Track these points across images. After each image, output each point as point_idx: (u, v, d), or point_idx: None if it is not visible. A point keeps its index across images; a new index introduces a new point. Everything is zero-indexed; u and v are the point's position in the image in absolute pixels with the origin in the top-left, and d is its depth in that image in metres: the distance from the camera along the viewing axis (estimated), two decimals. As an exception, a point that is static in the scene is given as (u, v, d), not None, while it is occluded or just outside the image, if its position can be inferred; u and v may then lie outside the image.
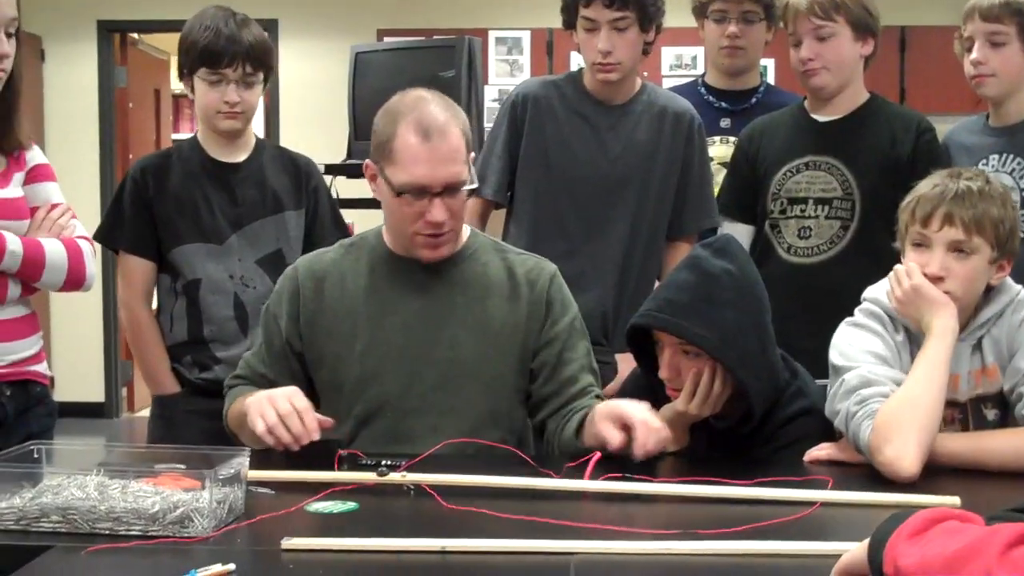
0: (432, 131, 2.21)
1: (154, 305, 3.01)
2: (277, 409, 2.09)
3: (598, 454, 2.08)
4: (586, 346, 2.38)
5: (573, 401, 2.31)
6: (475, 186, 2.29)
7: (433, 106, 2.25)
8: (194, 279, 2.88)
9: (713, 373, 2.22)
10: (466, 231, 2.44)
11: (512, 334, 2.33)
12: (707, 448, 2.30)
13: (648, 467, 2.06)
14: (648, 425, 2.07)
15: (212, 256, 2.88)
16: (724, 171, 3.25)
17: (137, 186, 2.92)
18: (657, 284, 3.07)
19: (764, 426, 2.26)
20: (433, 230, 2.26)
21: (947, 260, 2.20)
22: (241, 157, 2.96)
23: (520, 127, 3.05)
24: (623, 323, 2.96)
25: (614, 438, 2.08)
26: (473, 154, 2.34)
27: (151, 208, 2.91)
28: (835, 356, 2.26)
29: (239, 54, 2.83)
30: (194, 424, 2.78)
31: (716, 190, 3.21)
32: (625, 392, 2.47)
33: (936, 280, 2.20)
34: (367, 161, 2.33)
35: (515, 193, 3.09)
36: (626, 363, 2.87)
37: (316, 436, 2.09)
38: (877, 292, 2.32)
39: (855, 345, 2.25)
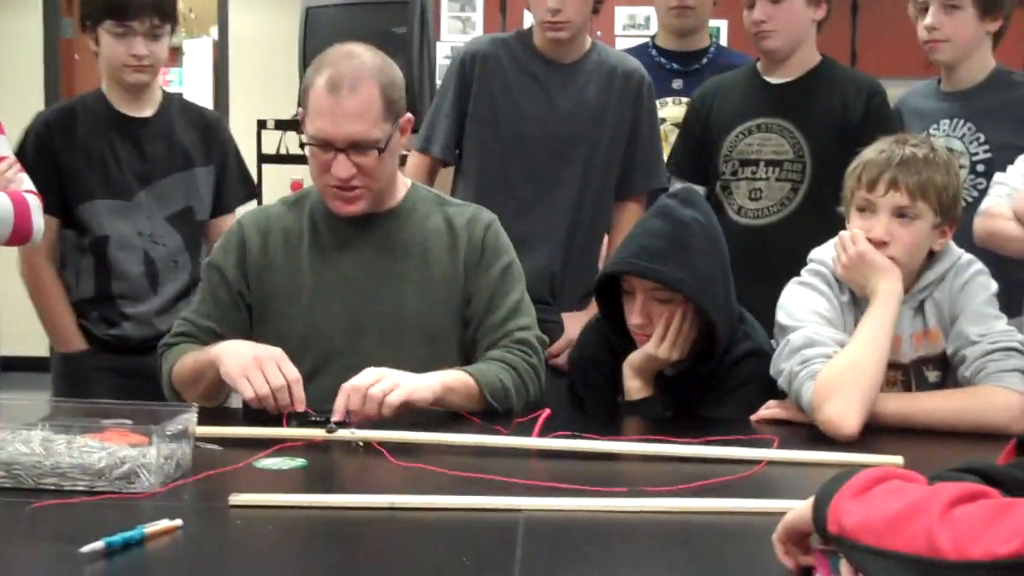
0: (342, 86, 2.19)
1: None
2: (268, 379, 2.06)
3: (547, 411, 2.10)
4: (520, 291, 2.38)
5: (495, 347, 2.31)
6: (382, 146, 2.24)
7: (356, 61, 2.23)
8: (102, 235, 2.85)
9: (683, 318, 2.26)
10: (406, 185, 2.43)
11: (451, 286, 2.33)
12: (661, 395, 2.34)
13: (598, 425, 2.07)
14: (350, 389, 2.06)
15: (121, 213, 2.85)
16: (676, 131, 3.25)
17: (41, 140, 2.86)
18: (607, 242, 3.09)
19: (712, 369, 2.32)
20: (341, 184, 2.24)
21: (891, 225, 2.22)
22: (148, 111, 2.93)
23: (469, 85, 3.02)
24: (571, 282, 2.97)
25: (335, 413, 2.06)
26: (408, 115, 2.32)
27: (57, 162, 2.85)
28: (782, 315, 2.29)
29: (146, 6, 2.78)
30: (102, 381, 2.76)
31: (668, 151, 3.22)
32: (581, 345, 2.52)
33: (880, 245, 2.22)
34: (299, 109, 2.32)
35: (463, 152, 3.07)
36: (572, 322, 2.91)
37: (301, 408, 2.07)
38: (823, 253, 2.35)
39: (801, 305, 2.27)
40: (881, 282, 2.20)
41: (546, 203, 2.98)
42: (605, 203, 3.07)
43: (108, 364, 2.83)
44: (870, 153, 2.28)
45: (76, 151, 2.84)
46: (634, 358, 2.33)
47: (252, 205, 3.17)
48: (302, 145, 2.28)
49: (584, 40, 3.04)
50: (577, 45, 3.02)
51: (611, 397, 2.39)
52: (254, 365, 2.07)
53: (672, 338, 2.27)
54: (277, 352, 2.12)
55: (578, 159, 3.00)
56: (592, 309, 2.94)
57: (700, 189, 3.03)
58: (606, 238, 3.15)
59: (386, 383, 2.06)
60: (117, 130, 2.88)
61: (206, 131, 2.98)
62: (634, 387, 2.33)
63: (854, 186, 2.27)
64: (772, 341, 2.33)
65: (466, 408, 2.19)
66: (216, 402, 2.25)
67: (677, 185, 3.07)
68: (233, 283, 2.35)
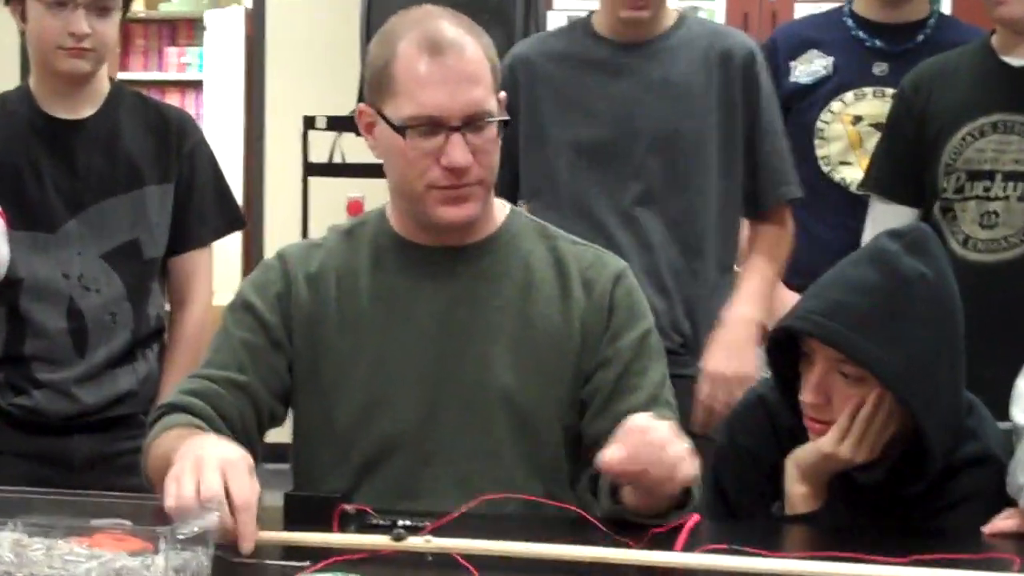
0: (444, 46, 2.23)
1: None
2: (202, 483, 1.93)
3: (696, 516, 2.10)
4: (661, 372, 2.38)
5: None
6: (505, 119, 2.30)
7: (445, 20, 2.28)
8: (14, 279, 2.85)
9: (877, 406, 2.23)
10: (503, 209, 2.45)
11: (560, 352, 2.34)
12: (845, 508, 2.32)
13: (766, 537, 2.07)
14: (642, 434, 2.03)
15: (40, 249, 2.87)
16: (877, 134, 3.25)
17: None
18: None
19: (922, 487, 2.29)
20: (453, 180, 2.26)
21: None
22: (87, 112, 2.95)
23: (517, 101, 3.05)
24: (704, 330, 3.02)
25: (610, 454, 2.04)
26: (503, 93, 2.36)
27: None
28: (1018, 413, 2.28)
29: None
30: (14, 470, 2.78)
31: (867, 159, 3.23)
32: (733, 426, 2.52)
33: None
34: (359, 106, 2.35)
35: (527, 186, 3.13)
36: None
37: (248, 546, 1.95)
38: None
39: None
40: None
41: (640, 230, 3.02)
42: (729, 221, 3.11)
43: (18, 447, 2.88)
44: None
45: None
46: (802, 455, 2.30)
47: (236, 238, 3.12)
48: (401, 129, 2.25)
49: (666, 12, 3.09)
50: (657, 19, 3.07)
51: (769, 503, 2.38)
52: (193, 465, 1.97)
53: (859, 434, 2.24)
54: (236, 456, 2.02)
55: (675, 164, 3.02)
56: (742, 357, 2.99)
57: (909, 213, 3.05)
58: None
59: (681, 447, 2.06)
60: (41, 138, 2.91)
61: (165, 136, 2.98)
62: (798, 494, 2.31)
63: None
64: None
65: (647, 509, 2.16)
66: None
67: (878, 205, 3.07)
68: (272, 328, 2.35)
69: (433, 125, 2.24)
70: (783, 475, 2.34)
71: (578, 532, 2.09)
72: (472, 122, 2.24)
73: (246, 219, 3.20)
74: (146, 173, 2.96)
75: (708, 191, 3.05)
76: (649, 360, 2.37)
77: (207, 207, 3.04)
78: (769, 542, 2.03)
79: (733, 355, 2.97)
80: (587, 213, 3.01)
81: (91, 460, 2.89)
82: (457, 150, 2.23)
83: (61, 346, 2.90)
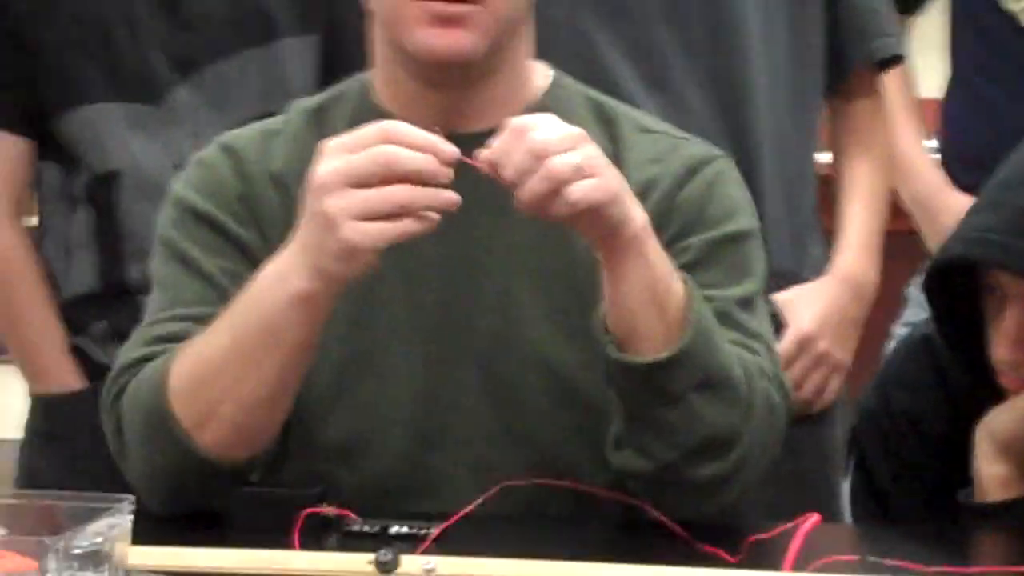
0: None
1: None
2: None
3: (816, 517, 1.85)
4: (748, 288, 2.06)
5: None
6: None
7: None
8: (108, 171, 2.58)
9: None
10: (543, 78, 2.15)
11: None
12: None
13: (924, 546, 1.87)
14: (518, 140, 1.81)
15: (141, 126, 2.61)
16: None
17: None
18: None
19: None
20: None
21: None
22: None
23: None
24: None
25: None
26: None
27: (22, 40, 2.62)
28: None
29: None
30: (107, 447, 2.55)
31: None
32: (885, 385, 2.25)
33: None
34: None
35: None
36: (798, 303, 2.64)
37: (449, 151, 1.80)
38: None
39: None
40: None
41: (676, 102, 2.64)
42: (805, 103, 2.76)
43: None
44: None
45: (60, 18, 2.61)
46: (999, 421, 2.05)
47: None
48: None
49: None
50: None
51: (943, 488, 2.12)
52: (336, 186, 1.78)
53: None
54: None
55: (724, 28, 2.66)
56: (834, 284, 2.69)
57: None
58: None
59: (583, 156, 1.78)
60: None
61: None
62: (994, 476, 2.05)
63: None
64: None
65: (642, 329, 1.86)
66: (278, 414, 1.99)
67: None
68: (249, 247, 2.06)
69: None
70: (963, 451, 2.10)
71: (648, 538, 1.91)
72: None
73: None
74: (281, 20, 2.70)
75: (771, 45, 2.70)
76: (729, 271, 2.05)
77: (356, 65, 2.76)
78: (928, 554, 1.78)
79: (839, 336, 2.64)
80: (596, 76, 2.57)
81: None
82: None
83: None
